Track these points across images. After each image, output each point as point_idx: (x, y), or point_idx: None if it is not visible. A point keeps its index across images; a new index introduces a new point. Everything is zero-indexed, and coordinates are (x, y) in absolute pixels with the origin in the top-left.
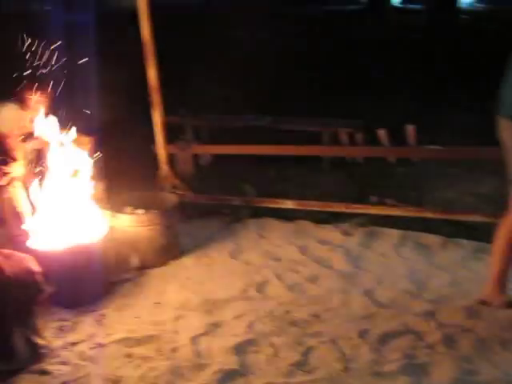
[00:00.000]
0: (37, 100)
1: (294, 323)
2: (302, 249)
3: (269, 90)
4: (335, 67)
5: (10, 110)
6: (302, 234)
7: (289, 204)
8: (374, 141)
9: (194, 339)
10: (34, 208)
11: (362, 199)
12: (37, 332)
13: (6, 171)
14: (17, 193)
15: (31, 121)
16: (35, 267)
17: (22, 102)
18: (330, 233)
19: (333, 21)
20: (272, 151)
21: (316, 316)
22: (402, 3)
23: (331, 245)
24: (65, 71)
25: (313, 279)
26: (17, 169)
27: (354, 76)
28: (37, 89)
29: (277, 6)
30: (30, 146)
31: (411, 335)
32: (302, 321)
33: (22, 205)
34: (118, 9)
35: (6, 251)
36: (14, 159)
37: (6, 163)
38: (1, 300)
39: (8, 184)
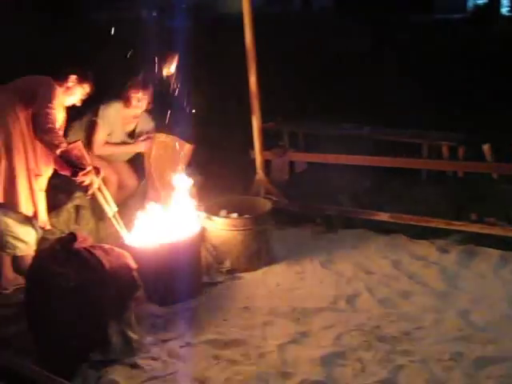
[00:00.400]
0: (140, 98)
1: (383, 339)
2: (395, 263)
3: (368, 99)
4: (438, 78)
5: (115, 108)
6: (396, 247)
7: (384, 216)
8: (476, 156)
9: (281, 347)
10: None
11: (460, 216)
12: (131, 326)
13: (78, 181)
14: (99, 198)
15: (135, 117)
16: (132, 263)
17: (126, 101)
18: (426, 248)
19: (436, 30)
20: (370, 162)
21: (407, 334)
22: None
23: (426, 261)
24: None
25: (405, 295)
26: (87, 177)
27: (457, 88)
28: (141, 88)
29: (379, 12)
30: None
31: (509, 363)
32: (391, 337)
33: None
34: (222, 15)
35: (106, 246)
36: (81, 168)
37: (75, 174)
38: (99, 293)
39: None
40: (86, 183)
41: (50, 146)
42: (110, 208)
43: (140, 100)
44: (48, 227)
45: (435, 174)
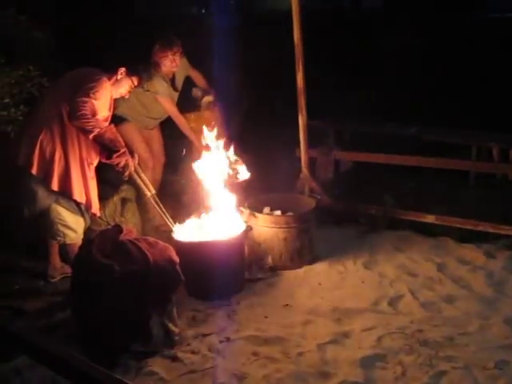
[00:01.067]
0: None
1: (425, 343)
2: (440, 266)
3: (415, 98)
4: (491, 79)
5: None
6: (441, 250)
7: (430, 218)
8: None
9: (321, 346)
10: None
11: (509, 220)
12: (172, 319)
13: (114, 163)
14: (135, 179)
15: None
16: (175, 257)
17: (158, 67)
18: (472, 253)
19: (489, 28)
20: (416, 162)
21: (450, 339)
22: None
23: (472, 265)
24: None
25: (449, 300)
26: (121, 158)
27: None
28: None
29: (429, 11)
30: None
31: None
32: (434, 342)
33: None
34: (270, 11)
35: (151, 239)
36: (115, 151)
37: (110, 156)
38: (143, 285)
39: (123, 174)
40: (121, 165)
41: (83, 132)
42: (148, 190)
43: (173, 60)
44: (99, 214)
45: (484, 177)
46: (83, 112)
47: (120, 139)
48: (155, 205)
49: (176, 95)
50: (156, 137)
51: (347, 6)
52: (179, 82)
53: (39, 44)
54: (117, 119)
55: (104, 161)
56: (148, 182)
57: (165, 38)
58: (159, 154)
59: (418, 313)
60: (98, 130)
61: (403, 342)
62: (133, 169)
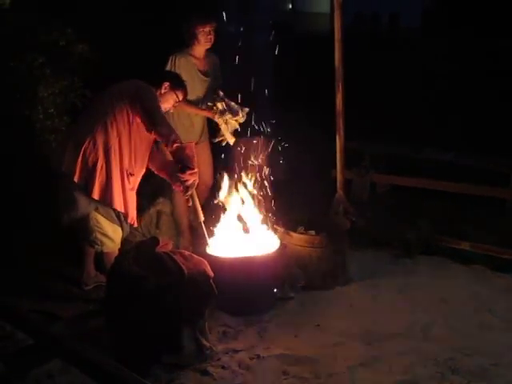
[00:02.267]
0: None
1: (457, 372)
2: (474, 295)
3: (454, 124)
4: None
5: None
6: (476, 278)
7: (465, 245)
8: None
9: (352, 368)
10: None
11: None
12: (204, 333)
13: (183, 179)
14: (194, 201)
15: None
16: (210, 272)
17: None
18: (508, 282)
19: None
20: (453, 189)
21: (484, 369)
22: None
23: (508, 295)
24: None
25: (483, 329)
26: (192, 177)
27: None
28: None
29: (468, 37)
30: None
31: None
32: (466, 371)
33: (199, 212)
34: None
35: (186, 253)
36: (189, 167)
37: (183, 171)
38: (176, 298)
39: (185, 192)
40: (189, 183)
41: (167, 139)
42: (202, 214)
43: (209, 33)
44: (136, 225)
45: None
46: (166, 120)
47: (196, 159)
48: (203, 231)
49: (204, 81)
50: (204, 156)
51: (384, 27)
52: (212, 77)
53: (84, 56)
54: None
55: (176, 173)
56: (200, 208)
57: (203, 12)
58: (206, 175)
59: (451, 341)
60: (180, 140)
61: (435, 369)
62: (194, 191)
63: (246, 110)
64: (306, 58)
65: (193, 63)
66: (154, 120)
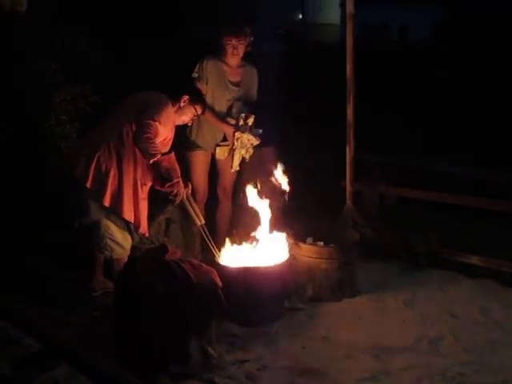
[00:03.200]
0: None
1: None
2: (483, 309)
3: (465, 136)
4: None
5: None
6: (485, 293)
7: (474, 260)
8: None
9: (359, 382)
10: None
11: None
12: (211, 343)
13: (166, 191)
14: (187, 206)
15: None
16: (218, 281)
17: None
18: None
19: None
20: (463, 202)
21: None
22: None
23: None
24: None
25: (493, 344)
26: (173, 188)
27: None
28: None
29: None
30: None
31: None
32: None
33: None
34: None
35: (195, 261)
36: (167, 180)
37: (162, 185)
38: (184, 307)
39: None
40: (173, 193)
41: (145, 154)
42: (199, 219)
43: (236, 47)
44: (147, 235)
45: None
46: (148, 135)
47: (176, 168)
48: (204, 235)
49: (233, 91)
50: (228, 169)
51: (394, 38)
52: (243, 89)
53: (96, 63)
54: (191, 145)
55: (157, 188)
56: (199, 212)
57: (233, 23)
58: (228, 187)
59: (460, 356)
60: (159, 155)
61: (443, 383)
62: (185, 197)
63: (260, 131)
64: (316, 68)
65: (223, 70)
66: (138, 134)
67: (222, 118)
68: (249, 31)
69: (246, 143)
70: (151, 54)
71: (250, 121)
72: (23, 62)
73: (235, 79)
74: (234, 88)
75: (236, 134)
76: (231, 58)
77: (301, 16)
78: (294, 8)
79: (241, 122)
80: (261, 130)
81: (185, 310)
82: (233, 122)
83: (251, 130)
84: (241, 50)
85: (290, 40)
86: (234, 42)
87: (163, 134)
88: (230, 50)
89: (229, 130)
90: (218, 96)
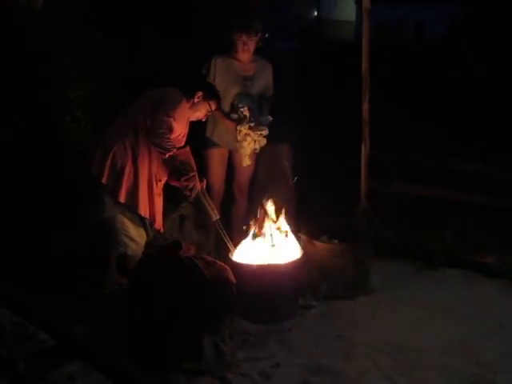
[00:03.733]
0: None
1: None
2: (500, 310)
3: (481, 134)
4: None
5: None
6: (501, 293)
7: (490, 259)
8: None
9: (373, 381)
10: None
11: None
12: (224, 340)
13: (181, 186)
14: (203, 201)
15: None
16: (232, 278)
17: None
18: None
19: None
20: (479, 200)
21: None
22: None
23: None
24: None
25: (508, 346)
26: (189, 182)
27: None
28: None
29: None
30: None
31: None
32: None
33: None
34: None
35: (209, 258)
36: (183, 174)
37: (178, 179)
38: (198, 303)
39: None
40: (188, 188)
41: (160, 150)
42: (214, 214)
43: (246, 43)
44: (162, 230)
45: None
46: (163, 130)
47: (192, 162)
48: (219, 229)
49: (245, 86)
50: (247, 168)
51: (410, 35)
52: (256, 83)
53: (112, 60)
54: (207, 142)
55: (172, 183)
56: (214, 207)
57: (243, 21)
58: (244, 184)
59: (475, 356)
60: (174, 150)
61: None
62: (200, 192)
63: (269, 118)
64: (331, 65)
65: (235, 66)
66: (152, 130)
67: (227, 113)
68: (259, 27)
69: (251, 135)
70: (166, 50)
71: (246, 112)
72: (39, 59)
73: (248, 73)
74: (247, 83)
75: (237, 127)
76: (242, 54)
77: (316, 13)
78: (310, 5)
79: (237, 115)
80: (270, 117)
81: (198, 306)
82: (235, 116)
83: (254, 120)
84: (251, 47)
85: (304, 37)
86: (244, 38)
87: (178, 129)
88: (240, 46)
89: (231, 126)
90: (231, 92)
